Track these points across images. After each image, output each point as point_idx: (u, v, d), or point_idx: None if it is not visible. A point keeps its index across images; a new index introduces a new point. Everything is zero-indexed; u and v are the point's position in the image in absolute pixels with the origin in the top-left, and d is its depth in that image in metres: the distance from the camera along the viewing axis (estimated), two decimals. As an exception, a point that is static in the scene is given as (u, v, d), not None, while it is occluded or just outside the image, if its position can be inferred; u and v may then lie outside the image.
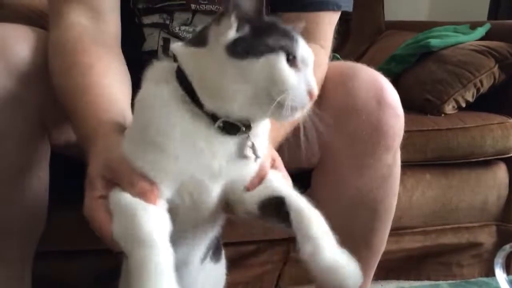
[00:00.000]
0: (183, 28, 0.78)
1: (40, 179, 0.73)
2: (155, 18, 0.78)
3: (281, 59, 0.48)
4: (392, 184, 0.82)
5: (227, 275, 0.74)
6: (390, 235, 1.25)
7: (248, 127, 0.52)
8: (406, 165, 1.28)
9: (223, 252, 0.74)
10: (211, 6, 0.78)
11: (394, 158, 0.79)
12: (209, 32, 0.50)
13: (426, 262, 1.36)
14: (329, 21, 0.79)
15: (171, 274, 0.45)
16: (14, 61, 0.64)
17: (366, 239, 0.83)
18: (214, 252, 0.68)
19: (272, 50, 0.48)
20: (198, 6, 0.77)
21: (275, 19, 0.52)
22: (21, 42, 0.65)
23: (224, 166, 0.52)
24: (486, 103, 1.40)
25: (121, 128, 0.55)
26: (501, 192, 1.38)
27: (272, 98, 0.48)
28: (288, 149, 0.77)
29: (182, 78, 0.51)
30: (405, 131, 1.23)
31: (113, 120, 0.56)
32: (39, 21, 0.73)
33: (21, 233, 0.72)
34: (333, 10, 0.79)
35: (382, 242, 0.86)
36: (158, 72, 0.53)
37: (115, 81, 0.62)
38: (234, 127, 0.51)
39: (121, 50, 0.70)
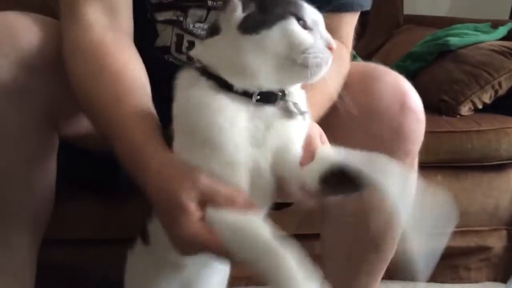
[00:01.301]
0: (197, 25, 0.76)
1: (47, 169, 0.72)
2: (168, 15, 0.76)
3: (293, 23, 0.51)
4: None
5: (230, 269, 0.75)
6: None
7: (284, 93, 0.54)
8: (418, 166, 1.27)
9: None
10: None
11: (412, 164, 0.78)
12: (219, 21, 0.53)
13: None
14: (351, 21, 0.79)
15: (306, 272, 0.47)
16: (22, 50, 0.63)
17: (376, 243, 0.82)
18: None
19: (281, 17, 0.51)
20: (214, 3, 0.75)
21: None
22: (30, 31, 0.64)
23: (267, 131, 0.53)
24: (504, 105, 1.37)
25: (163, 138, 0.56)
26: (514, 197, 1.35)
27: (295, 61, 0.51)
28: None
29: (207, 73, 0.53)
30: (419, 132, 1.23)
31: (158, 132, 0.56)
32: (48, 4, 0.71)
33: (28, 222, 0.73)
34: (357, 11, 0.79)
35: (392, 248, 0.84)
36: (185, 78, 0.55)
37: (142, 88, 0.62)
38: (272, 96, 0.53)
39: (135, 46, 0.68)
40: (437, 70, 1.44)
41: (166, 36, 0.77)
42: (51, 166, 0.73)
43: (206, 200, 0.51)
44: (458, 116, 1.35)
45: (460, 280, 1.36)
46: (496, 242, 1.37)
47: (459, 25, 1.56)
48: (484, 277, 1.38)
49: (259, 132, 0.52)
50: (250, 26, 0.51)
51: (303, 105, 0.56)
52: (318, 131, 0.59)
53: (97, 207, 0.97)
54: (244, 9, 0.51)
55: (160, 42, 0.78)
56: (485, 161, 1.29)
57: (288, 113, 0.54)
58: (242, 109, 0.52)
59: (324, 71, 0.53)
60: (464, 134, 1.26)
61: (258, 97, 0.52)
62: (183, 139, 0.54)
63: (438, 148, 1.25)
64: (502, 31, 1.50)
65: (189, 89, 0.53)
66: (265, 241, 0.48)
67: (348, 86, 0.73)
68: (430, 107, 1.36)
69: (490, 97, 1.36)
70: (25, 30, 0.64)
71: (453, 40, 1.44)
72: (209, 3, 0.76)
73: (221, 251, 0.50)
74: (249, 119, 0.52)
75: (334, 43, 0.53)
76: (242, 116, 0.52)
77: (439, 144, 1.24)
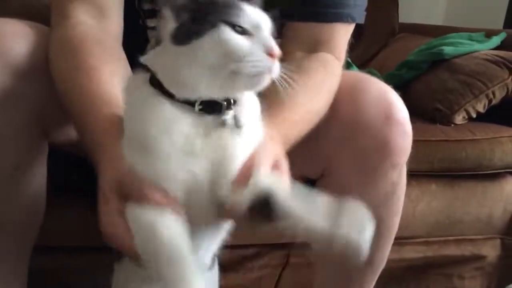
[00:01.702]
0: None
1: (36, 176, 0.72)
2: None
3: (224, 31, 0.48)
4: (395, 203, 0.80)
5: (220, 281, 0.74)
6: (392, 244, 1.24)
7: (231, 103, 0.52)
8: (412, 175, 1.26)
9: (216, 258, 0.73)
10: None
11: (400, 176, 0.78)
12: (160, 31, 0.52)
13: (427, 272, 1.35)
14: (344, 33, 0.78)
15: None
16: (11, 57, 0.63)
17: (367, 256, 0.82)
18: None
19: (213, 25, 0.48)
20: None
21: None
22: (19, 38, 0.65)
23: (204, 140, 0.50)
24: (497, 114, 1.37)
25: None
26: (507, 206, 1.35)
27: (230, 70, 0.48)
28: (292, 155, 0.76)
29: (153, 79, 0.52)
30: (413, 141, 1.22)
31: (120, 129, 0.55)
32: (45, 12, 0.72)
33: (17, 230, 0.72)
34: (347, 22, 0.77)
35: (383, 259, 0.84)
36: (134, 81, 0.54)
37: (120, 86, 0.61)
38: (216, 105, 0.51)
39: (123, 50, 0.69)
40: (431, 79, 1.44)
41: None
42: (41, 172, 0.72)
43: (125, 194, 0.50)
44: (452, 125, 1.35)
45: (454, 289, 1.36)
46: (490, 251, 1.37)
47: (453, 34, 1.57)
48: (478, 286, 1.38)
49: (196, 141, 0.50)
50: (180, 37, 0.49)
51: (251, 117, 0.54)
52: (272, 155, 0.55)
53: (89, 214, 0.96)
54: (176, 19, 0.50)
55: (151, 48, 0.78)
56: (479, 170, 1.29)
57: (223, 124, 0.51)
58: (183, 117, 0.50)
59: (267, 79, 0.50)
60: (458, 143, 1.27)
61: (201, 106, 0.50)
62: (125, 140, 0.53)
63: (432, 157, 1.25)
64: (496, 40, 1.51)
65: (132, 93, 0.53)
66: (166, 248, 0.47)
67: (335, 97, 0.72)
68: (424, 116, 1.37)
69: (484, 106, 1.36)
70: (14, 36, 0.64)
71: (448, 49, 1.44)
72: None
73: (129, 252, 0.49)
74: (189, 128, 0.50)
75: (277, 49, 0.49)
76: (181, 123, 0.50)
77: (433, 153, 1.25)
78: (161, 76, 0.51)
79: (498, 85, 1.34)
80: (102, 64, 0.61)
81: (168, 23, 0.50)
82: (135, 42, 0.73)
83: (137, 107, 0.52)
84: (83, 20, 0.66)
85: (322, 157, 0.75)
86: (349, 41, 0.80)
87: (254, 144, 0.53)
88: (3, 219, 0.70)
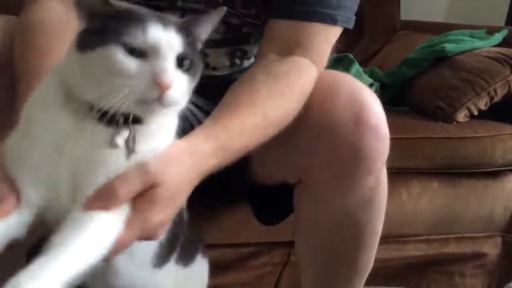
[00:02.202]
0: None
1: None
2: None
3: (114, 50, 0.46)
4: (376, 207, 0.76)
5: (219, 276, 0.73)
6: (392, 242, 1.25)
7: (129, 120, 0.49)
8: (414, 172, 1.28)
9: (198, 255, 0.72)
10: (196, 5, 0.75)
11: (378, 181, 0.73)
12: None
13: (428, 270, 1.35)
14: (324, 36, 0.71)
15: None
16: None
17: (352, 260, 0.80)
18: (182, 255, 0.66)
19: (106, 42, 0.46)
20: (184, 4, 0.74)
21: (133, 7, 0.49)
22: None
23: (79, 146, 0.48)
24: (499, 112, 1.37)
25: None
26: (508, 203, 1.35)
27: (114, 90, 0.45)
28: (270, 160, 0.74)
29: None
30: (415, 138, 1.23)
31: None
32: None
33: None
34: (328, 23, 0.70)
35: (368, 263, 0.81)
36: (58, 68, 0.53)
37: None
38: (113, 118, 0.48)
39: None
40: (433, 76, 1.44)
41: None
42: None
43: None
44: (454, 122, 1.34)
45: (455, 287, 1.36)
46: (491, 249, 1.37)
47: (455, 32, 1.56)
48: (479, 284, 1.38)
49: (70, 142, 0.48)
50: (80, 43, 0.48)
51: (149, 142, 0.50)
52: (153, 179, 0.50)
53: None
54: (87, 22, 0.48)
55: None
56: (481, 167, 1.29)
57: (112, 145, 0.48)
58: (68, 116, 0.49)
59: (153, 109, 0.47)
60: (459, 141, 1.26)
61: (99, 114, 0.47)
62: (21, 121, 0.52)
63: (434, 154, 1.25)
64: (498, 37, 1.50)
65: (46, 79, 0.52)
66: None
67: (306, 100, 0.68)
68: (426, 113, 1.37)
69: (486, 103, 1.35)
70: None
71: (450, 47, 1.44)
72: (179, 3, 0.75)
73: None
74: (69, 127, 0.49)
75: (166, 80, 0.45)
76: (63, 120, 0.49)
77: (435, 150, 1.25)
78: (63, 71, 0.50)
79: (500, 83, 1.34)
80: (55, 45, 0.60)
81: (81, 25, 0.49)
82: None
83: (36, 91, 0.51)
84: (51, 4, 0.66)
85: (298, 162, 0.72)
86: (335, 45, 0.74)
87: (124, 167, 0.49)
88: None
